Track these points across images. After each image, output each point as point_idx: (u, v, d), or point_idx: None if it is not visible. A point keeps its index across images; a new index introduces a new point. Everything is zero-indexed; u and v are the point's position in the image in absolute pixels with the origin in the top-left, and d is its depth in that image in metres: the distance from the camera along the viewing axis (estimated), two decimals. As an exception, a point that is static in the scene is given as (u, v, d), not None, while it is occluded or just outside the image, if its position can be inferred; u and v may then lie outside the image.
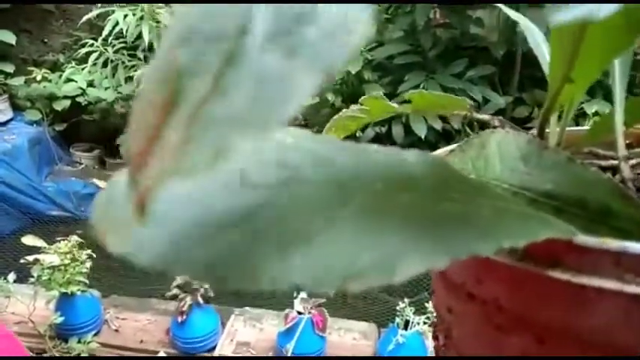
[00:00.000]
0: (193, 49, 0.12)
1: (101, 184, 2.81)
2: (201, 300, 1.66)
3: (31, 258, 1.50)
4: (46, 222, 2.51)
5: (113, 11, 2.48)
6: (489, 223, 0.18)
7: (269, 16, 0.11)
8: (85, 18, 2.67)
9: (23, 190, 2.54)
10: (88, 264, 1.63)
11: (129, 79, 2.65)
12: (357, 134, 2.87)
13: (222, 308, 1.86)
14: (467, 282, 0.26)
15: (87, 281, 1.62)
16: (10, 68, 2.83)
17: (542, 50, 0.38)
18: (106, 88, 2.74)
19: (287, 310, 1.67)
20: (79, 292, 1.60)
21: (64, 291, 1.55)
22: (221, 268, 0.14)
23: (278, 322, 1.76)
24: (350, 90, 2.82)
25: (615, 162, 0.33)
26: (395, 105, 0.41)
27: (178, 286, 1.66)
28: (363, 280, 0.14)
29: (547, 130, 0.35)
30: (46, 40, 2.99)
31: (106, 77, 2.69)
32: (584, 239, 0.20)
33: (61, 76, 2.78)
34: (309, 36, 0.11)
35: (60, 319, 1.55)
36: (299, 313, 1.65)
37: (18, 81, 2.77)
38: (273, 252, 0.14)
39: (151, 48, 2.54)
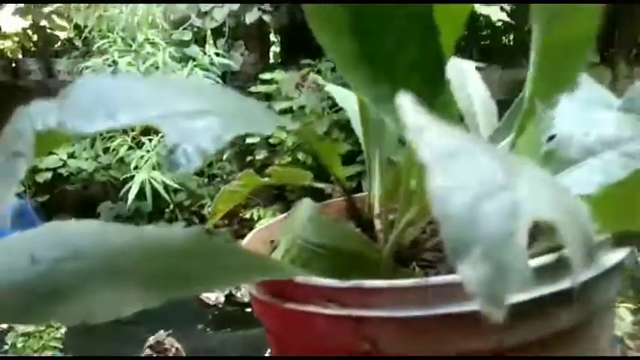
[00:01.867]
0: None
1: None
2: (172, 360, 1.72)
3: (5, 325, 1.56)
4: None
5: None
6: (219, 273, 0.28)
7: None
8: (64, 94, 2.81)
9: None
10: (63, 329, 1.69)
11: (107, 149, 2.78)
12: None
13: (196, 368, 1.91)
14: (263, 319, 0.36)
15: (61, 346, 1.68)
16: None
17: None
18: (86, 159, 2.86)
19: (256, 366, 1.72)
20: (53, 359, 1.65)
21: (39, 358, 1.61)
22: (15, 315, 0.24)
23: (250, 379, 1.81)
24: (321, 149, 2.95)
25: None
26: (265, 179, 0.51)
27: (150, 347, 1.72)
28: (99, 317, 0.24)
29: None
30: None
31: (86, 148, 2.81)
32: (300, 278, 0.30)
33: (42, 149, 2.90)
34: None
35: (34, 386, 1.60)
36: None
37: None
38: (48, 302, 0.24)
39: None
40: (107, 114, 0.24)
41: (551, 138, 0.33)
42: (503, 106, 0.45)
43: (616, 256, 0.30)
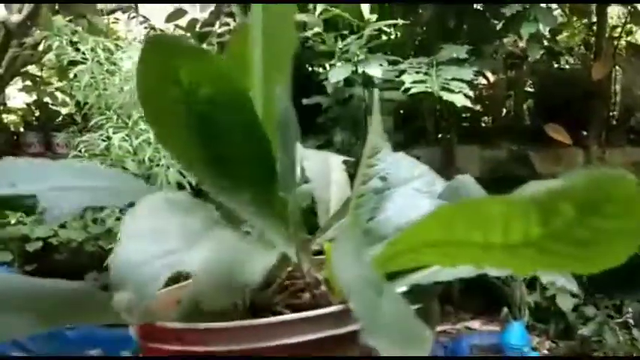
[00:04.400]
0: None
1: (66, 321, 2.91)
2: None
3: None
4: (7, 361, 2.57)
5: (83, 160, 2.77)
6: (88, 315, 0.37)
7: None
8: (60, 166, 2.95)
9: (-13, 330, 2.63)
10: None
11: (96, 220, 2.87)
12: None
13: None
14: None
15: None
16: (-13, 213, 3.06)
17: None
18: (76, 229, 2.95)
19: None
20: None
21: None
22: None
23: None
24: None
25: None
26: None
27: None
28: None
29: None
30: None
31: (76, 219, 2.91)
32: (159, 323, 0.38)
33: (35, 219, 3.00)
34: None
35: None
36: None
37: (-7, 225, 2.99)
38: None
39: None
40: (9, 183, 0.34)
41: (372, 219, 0.42)
42: (483, 185, 0.47)
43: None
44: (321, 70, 3.11)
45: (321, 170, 0.48)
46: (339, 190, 0.47)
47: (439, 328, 2.82)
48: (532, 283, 2.68)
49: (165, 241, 0.24)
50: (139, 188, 0.39)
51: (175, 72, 0.34)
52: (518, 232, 0.25)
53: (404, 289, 0.38)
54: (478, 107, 3.47)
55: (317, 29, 2.74)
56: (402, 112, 3.22)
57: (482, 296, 2.94)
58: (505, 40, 3.27)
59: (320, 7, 2.72)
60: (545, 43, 3.09)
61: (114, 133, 2.78)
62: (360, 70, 2.56)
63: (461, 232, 0.28)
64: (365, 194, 0.41)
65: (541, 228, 0.24)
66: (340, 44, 2.74)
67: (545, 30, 2.84)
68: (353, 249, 0.29)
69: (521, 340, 2.40)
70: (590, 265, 0.25)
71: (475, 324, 2.83)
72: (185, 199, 0.30)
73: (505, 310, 2.58)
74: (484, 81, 3.44)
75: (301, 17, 2.83)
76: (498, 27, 2.92)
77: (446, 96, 2.11)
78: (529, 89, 3.64)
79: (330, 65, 2.77)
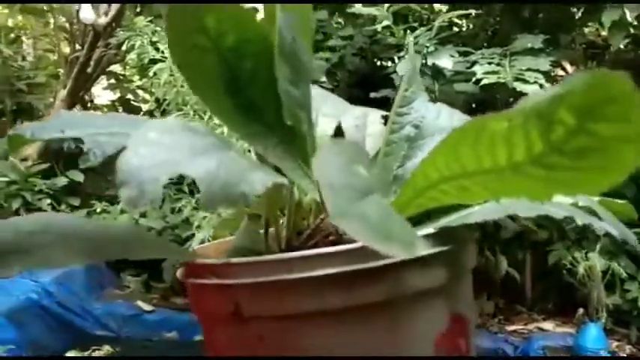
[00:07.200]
0: None
1: (144, 306, 3.08)
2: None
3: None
4: (90, 341, 2.76)
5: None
6: (142, 249, 0.39)
7: None
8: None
9: (73, 310, 2.84)
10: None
11: (174, 209, 3.01)
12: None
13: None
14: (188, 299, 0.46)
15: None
16: (76, 202, 3.29)
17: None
18: (156, 219, 3.11)
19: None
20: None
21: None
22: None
23: None
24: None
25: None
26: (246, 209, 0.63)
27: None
28: (50, 265, 0.36)
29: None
30: (109, 178, 3.47)
31: (155, 209, 3.06)
32: (197, 260, 0.41)
33: (117, 208, 3.19)
34: None
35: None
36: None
37: (81, 213, 3.20)
38: (16, 256, 0.37)
39: (194, 182, 2.89)
40: (59, 130, 0.37)
41: (400, 166, 0.43)
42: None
43: (435, 248, 0.38)
44: (389, 63, 3.10)
45: (357, 124, 0.49)
46: (373, 142, 0.48)
47: (510, 328, 2.72)
48: (611, 284, 2.53)
49: (170, 152, 0.27)
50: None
51: (201, 21, 0.36)
52: (522, 148, 0.25)
53: (431, 231, 0.38)
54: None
55: (386, 22, 2.73)
56: (474, 105, 3.14)
57: (557, 296, 2.82)
58: (585, 29, 3.12)
59: (389, -1, 2.70)
60: (630, 30, 2.91)
61: (189, 126, 2.91)
62: (429, 62, 2.52)
63: (470, 158, 0.28)
64: (395, 142, 0.42)
65: (542, 141, 0.24)
66: (410, 37, 2.71)
67: (630, 16, 2.68)
68: (343, 159, 0.29)
69: (597, 343, 2.27)
70: (597, 177, 0.25)
71: (548, 325, 2.71)
72: (204, 129, 0.32)
73: (581, 310, 2.45)
74: (562, 72, 3.29)
75: (370, 11, 2.83)
76: (577, 15, 2.78)
77: (520, 87, 2.04)
78: (612, 81, 3.44)
79: (399, 58, 2.75)
